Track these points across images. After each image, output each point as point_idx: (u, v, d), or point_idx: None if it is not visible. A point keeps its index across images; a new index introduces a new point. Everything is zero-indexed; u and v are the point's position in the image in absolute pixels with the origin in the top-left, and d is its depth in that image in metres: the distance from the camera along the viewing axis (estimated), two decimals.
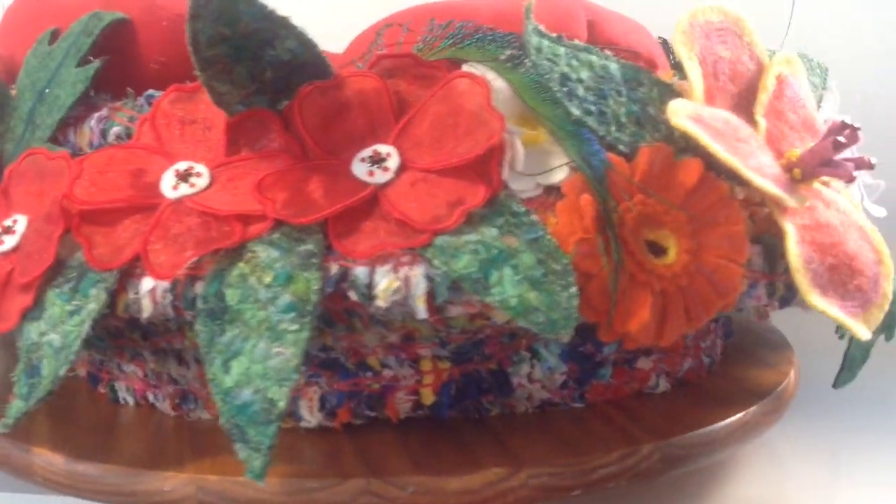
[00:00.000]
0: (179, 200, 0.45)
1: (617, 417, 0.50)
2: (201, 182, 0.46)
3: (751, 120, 0.49)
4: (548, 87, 0.45)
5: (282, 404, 0.40)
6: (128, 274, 0.44)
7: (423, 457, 0.46)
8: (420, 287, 0.42)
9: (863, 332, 0.48)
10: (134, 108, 0.49)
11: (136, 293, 0.43)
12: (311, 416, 0.49)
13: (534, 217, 0.43)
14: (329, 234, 0.43)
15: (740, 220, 0.46)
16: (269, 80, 0.46)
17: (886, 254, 0.51)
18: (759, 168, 0.46)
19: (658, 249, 0.45)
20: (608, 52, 0.48)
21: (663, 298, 0.44)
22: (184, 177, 0.46)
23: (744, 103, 0.51)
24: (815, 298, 0.46)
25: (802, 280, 0.46)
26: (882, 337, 0.55)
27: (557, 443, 0.47)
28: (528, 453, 0.46)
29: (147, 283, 0.43)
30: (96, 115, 0.50)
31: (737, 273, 0.46)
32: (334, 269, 0.42)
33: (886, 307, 0.50)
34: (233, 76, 0.45)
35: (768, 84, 0.51)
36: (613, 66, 0.48)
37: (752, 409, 0.52)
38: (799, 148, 0.50)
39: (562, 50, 0.46)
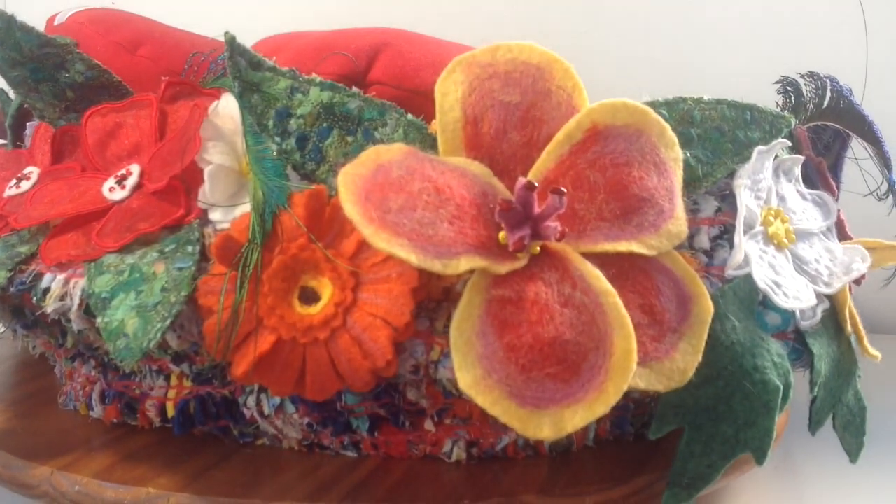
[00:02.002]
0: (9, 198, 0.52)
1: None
2: (25, 185, 0.52)
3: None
4: (259, 120, 0.44)
5: None
6: None
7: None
8: (76, 299, 0.44)
9: (533, 429, 0.40)
10: None
11: None
12: (97, 406, 0.53)
13: (194, 248, 0.43)
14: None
15: (412, 280, 0.41)
16: (73, 100, 0.51)
17: (627, 351, 0.41)
18: (422, 231, 0.40)
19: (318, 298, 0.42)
20: (356, 91, 0.45)
21: (302, 349, 0.42)
22: (19, 181, 0.53)
23: (534, 153, 0.44)
24: (467, 374, 0.40)
25: (457, 354, 0.40)
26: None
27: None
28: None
29: None
30: None
31: (385, 335, 0.41)
32: (28, 270, 0.46)
33: (600, 409, 0.40)
34: (42, 95, 0.51)
35: (565, 134, 0.44)
36: (354, 104, 0.45)
37: None
38: (589, 210, 0.43)
39: (284, 84, 0.45)
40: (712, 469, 0.45)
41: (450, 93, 0.44)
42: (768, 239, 0.48)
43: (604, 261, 0.43)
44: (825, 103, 0.60)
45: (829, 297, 0.50)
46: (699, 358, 0.43)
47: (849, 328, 0.50)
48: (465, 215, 0.41)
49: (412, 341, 0.43)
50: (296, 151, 0.44)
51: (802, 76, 0.61)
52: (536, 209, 0.41)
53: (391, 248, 0.38)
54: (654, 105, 0.48)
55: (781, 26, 0.91)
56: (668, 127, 0.45)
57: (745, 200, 0.47)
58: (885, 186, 0.57)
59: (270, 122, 0.44)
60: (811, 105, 0.61)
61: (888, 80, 0.62)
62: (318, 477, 0.47)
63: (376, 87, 0.47)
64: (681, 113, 0.48)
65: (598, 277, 0.41)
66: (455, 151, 0.44)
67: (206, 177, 0.45)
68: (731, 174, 0.48)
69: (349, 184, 0.40)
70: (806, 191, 0.52)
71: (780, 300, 0.46)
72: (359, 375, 0.42)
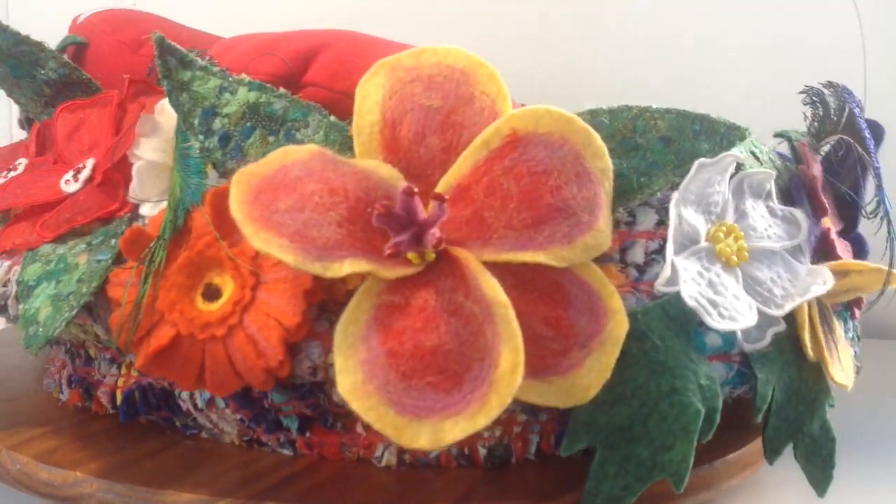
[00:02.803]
0: None
1: None
2: (11, 175, 0.55)
3: None
4: (186, 118, 0.45)
5: None
6: None
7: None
8: (12, 286, 0.46)
9: (408, 438, 0.39)
10: None
11: None
12: (65, 390, 0.55)
13: (118, 242, 0.45)
14: None
15: (306, 282, 0.41)
16: (50, 95, 0.53)
17: (513, 364, 0.39)
18: (306, 233, 0.40)
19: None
20: (283, 92, 0.46)
21: (201, 345, 0.42)
22: (7, 172, 0.55)
23: (452, 158, 0.44)
24: (346, 378, 0.39)
25: (339, 357, 0.39)
26: None
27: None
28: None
29: None
30: None
31: (277, 335, 0.41)
32: None
33: (482, 422, 0.39)
34: (24, 91, 0.53)
35: (482, 140, 0.43)
36: (279, 105, 0.45)
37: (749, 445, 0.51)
38: (499, 219, 0.42)
39: (214, 83, 0.46)
40: (628, 491, 0.43)
41: (370, 95, 0.44)
42: (714, 256, 0.46)
43: (509, 271, 0.42)
44: (845, 116, 0.57)
45: (789, 320, 0.47)
46: (607, 375, 0.42)
47: (810, 353, 0.47)
48: (357, 219, 0.41)
49: (308, 342, 0.43)
50: (218, 150, 0.45)
51: (825, 86, 0.58)
52: (421, 215, 0.40)
53: (268, 249, 0.39)
54: (596, 113, 0.46)
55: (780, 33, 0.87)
56: (595, 136, 0.44)
57: (683, 214, 0.45)
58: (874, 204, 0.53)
59: (196, 121, 0.45)
60: (835, 117, 0.58)
61: (887, 86, 0.59)
62: (247, 471, 0.48)
63: (310, 89, 0.47)
64: (623, 121, 0.46)
65: (493, 287, 0.40)
66: (371, 154, 0.44)
67: (133, 172, 0.46)
68: (675, 187, 0.46)
69: (242, 183, 0.40)
70: (779, 207, 0.49)
71: (712, 320, 0.44)
72: (254, 374, 0.42)
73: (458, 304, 0.41)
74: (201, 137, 0.45)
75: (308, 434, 0.49)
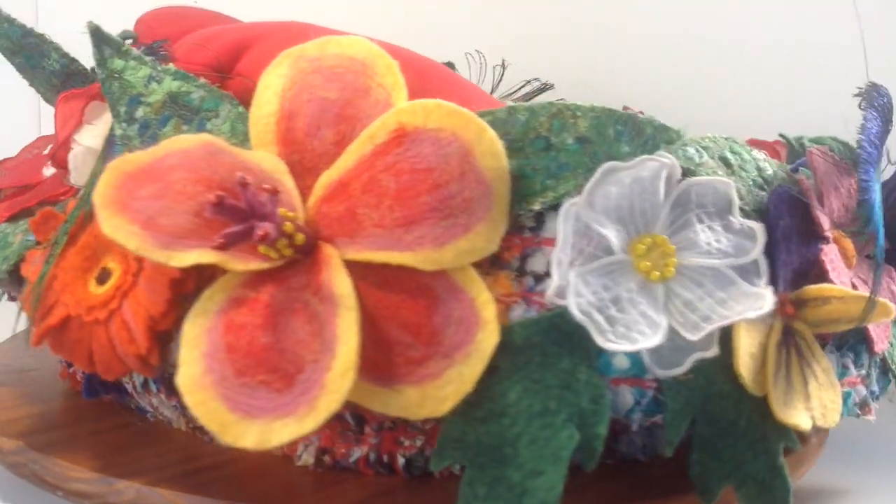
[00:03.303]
0: None
1: None
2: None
3: None
4: (115, 106, 0.47)
5: None
6: None
7: None
8: None
9: (234, 436, 0.38)
10: None
11: None
12: (59, 367, 0.58)
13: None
14: None
15: (173, 271, 0.41)
16: (58, 85, 0.56)
17: (345, 367, 0.37)
18: (158, 221, 0.40)
19: None
20: (203, 82, 0.46)
21: (89, 328, 0.43)
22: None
23: (342, 151, 0.42)
24: (186, 370, 0.39)
25: (184, 348, 0.39)
26: None
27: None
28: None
29: None
30: None
31: (143, 323, 0.41)
32: None
33: (310, 425, 0.37)
34: (39, 81, 0.57)
35: (368, 134, 0.41)
36: (197, 95, 0.46)
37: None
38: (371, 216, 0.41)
39: (144, 72, 0.47)
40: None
41: (271, 86, 0.44)
42: (632, 270, 0.42)
43: (375, 271, 0.40)
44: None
45: (727, 346, 0.42)
46: (467, 389, 0.39)
47: (749, 385, 0.42)
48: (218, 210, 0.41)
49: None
50: (136, 137, 0.46)
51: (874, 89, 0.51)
52: (263, 208, 0.39)
53: (115, 234, 0.39)
54: (514, 109, 0.43)
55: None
56: (489, 134, 0.41)
57: (589, 223, 0.41)
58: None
59: (123, 108, 0.46)
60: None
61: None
62: (172, 457, 0.48)
63: (237, 80, 0.47)
64: (541, 119, 0.43)
65: (343, 287, 0.39)
66: (265, 146, 0.43)
67: (70, 158, 0.48)
68: None
69: (115, 169, 0.41)
70: (740, 221, 0.44)
71: (603, 339, 0.40)
72: (129, 360, 0.43)
73: (305, 302, 0.39)
74: (124, 125, 0.46)
75: None
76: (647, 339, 0.40)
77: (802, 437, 0.46)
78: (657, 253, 0.42)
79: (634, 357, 0.41)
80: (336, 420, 0.46)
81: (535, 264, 0.42)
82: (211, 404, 0.38)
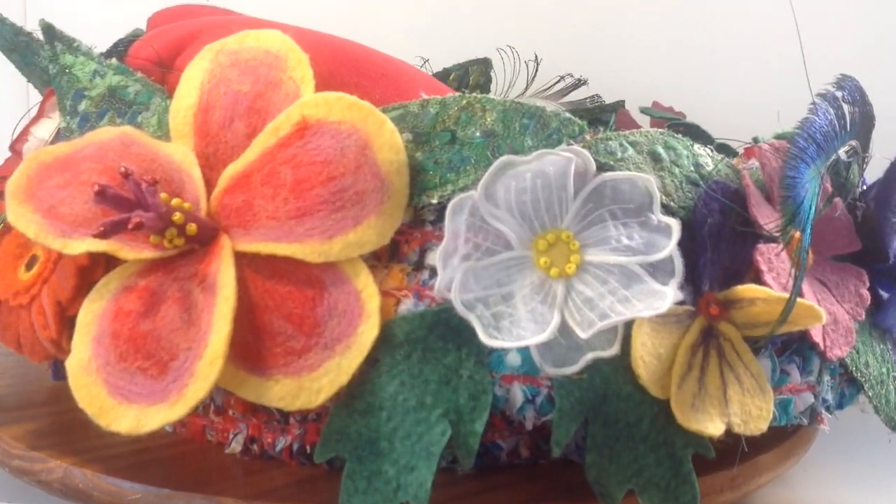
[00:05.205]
0: None
1: None
2: None
3: None
4: (62, 100, 0.49)
5: None
6: None
7: None
8: None
9: (109, 420, 0.39)
10: None
11: None
12: None
13: None
14: None
15: (82, 258, 0.43)
16: (49, 81, 0.59)
17: (214, 356, 0.38)
18: (59, 209, 0.41)
19: None
20: (140, 76, 0.47)
21: (17, 313, 0.46)
22: None
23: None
24: (76, 354, 0.40)
25: (77, 333, 0.41)
26: None
27: None
28: None
29: None
30: None
31: (52, 308, 0.43)
32: None
33: (180, 411, 0.38)
34: (35, 77, 0.60)
35: (273, 126, 0.42)
36: (133, 89, 0.47)
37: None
38: (266, 208, 0.41)
39: (90, 67, 0.48)
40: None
41: (192, 79, 0.45)
42: (531, 267, 0.41)
43: (268, 262, 0.41)
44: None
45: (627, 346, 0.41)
46: (343, 381, 0.39)
47: (650, 388, 0.41)
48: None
49: None
50: (77, 131, 0.47)
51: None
52: (145, 198, 0.40)
53: (17, 222, 0.41)
54: (426, 103, 0.43)
55: None
56: (389, 127, 0.41)
57: (486, 217, 0.40)
58: None
59: (69, 102, 0.48)
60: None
61: None
62: (118, 440, 0.50)
63: (175, 74, 0.48)
64: (450, 112, 0.42)
65: (226, 278, 0.40)
66: (183, 138, 0.44)
67: (23, 150, 0.50)
68: None
69: (33, 159, 0.43)
70: (658, 218, 0.42)
71: (485, 335, 0.39)
72: (46, 343, 0.44)
73: (188, 291, 0.40)
74: (68, 118, 0.48)
75: None
76: (534, 336, 0.39)
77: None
78: (560, 249, 0.41)
79: (526, 354, 0.40)
80: (262, 410, 0.47)
81: (433, 258, 0.42)
82: (92, 388, 0.40)
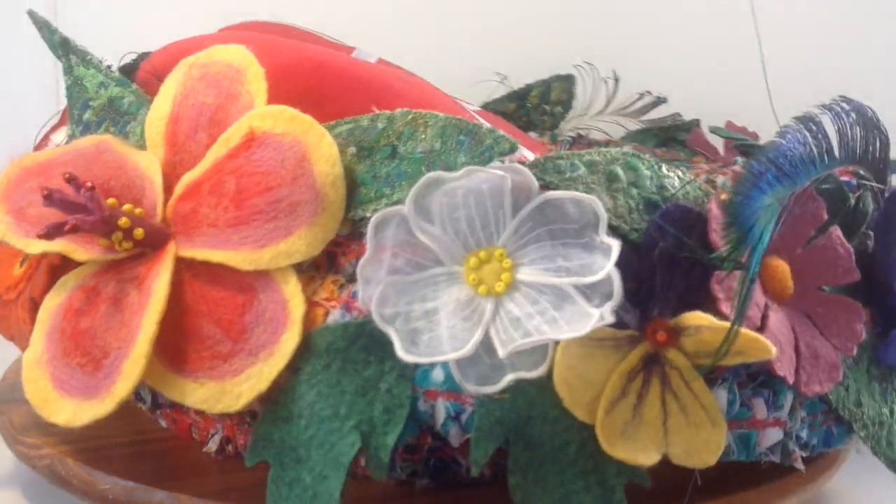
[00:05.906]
0: None
1: None
2: None
3: None
4: (72, 109, 0.52)
5: None
6: None
7: None
8: None
9: (49, 412, 0.41)
10: None
11: None
12: None
13: None
14: None
15: (54, 258, 0.45)
16: None
17: (138, 356, 0.39)
18: (27, 211, 0.44)
19: None
20: (136, 88, 0.50)
21: (9, 306, 0.49)
22: None
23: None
24: (32, 349, 0.43)
25: (36, 328, 0.43)
26: None
27: None
28: None
29: None
30: None
31: (27, 304, 0.46)
32: None
33: (107, 407, 0.40)
34: None
35: (224, 138, 0.43)
36: (128, 100, 0.50)
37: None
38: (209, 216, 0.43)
39: (99, 79, 0.51)
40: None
41: (167, 91, 0.47)
42: (460, 283, 0.41)
43: (205, 268, 0.42)
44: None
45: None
46: (262, 388, 0.40)
47: (574, 409, 0.40)
48: None
49: None
50: (79, 136, 0.50)
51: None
52: (90, 204, 0.42)
53: None
54: (376, 117, 0.43)
55: None
56: (328, 141, 0.42)
57: (416, 232, 0.40)
58: None
59: (76, 111, 0.51)
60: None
61: None
62: (119, 432, 0.52)
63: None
64: (396, 127, 0.43)
65: (160, 282, 0.41)
66: (155, 148, 0.46)
67: None
68: None
69: (17, 164, 0.46)
70: (602, 239, 0.41)
71: (400, 349, 0.39)
72: (28, 336, 0.47)
73: (126, 292, 0.42)
74: (74, 126, 0.51)
75: (170, 409, 0.52)
76: (453, 352, 0.39)
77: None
78: (492, 267, 0.41)
79: (448, 371, 0.40)
80: (236, 412, 0.48)
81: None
82: (40, 381, 0.42)
